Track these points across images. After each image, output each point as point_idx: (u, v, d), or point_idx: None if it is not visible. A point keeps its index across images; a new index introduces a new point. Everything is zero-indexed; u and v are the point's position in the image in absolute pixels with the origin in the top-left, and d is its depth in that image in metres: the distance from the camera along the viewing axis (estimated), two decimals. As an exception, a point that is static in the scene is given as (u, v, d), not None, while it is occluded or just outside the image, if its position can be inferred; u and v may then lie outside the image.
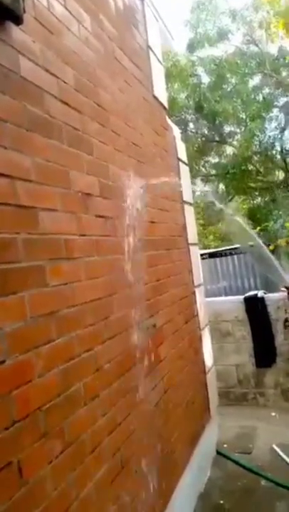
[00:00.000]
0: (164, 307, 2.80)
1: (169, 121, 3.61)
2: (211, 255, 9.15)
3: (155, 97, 3.23)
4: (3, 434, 1.22)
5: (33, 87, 1.64)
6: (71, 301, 1.69)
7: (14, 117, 1.49)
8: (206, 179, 14.89)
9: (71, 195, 1.82)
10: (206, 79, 13.03)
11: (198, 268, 3.87)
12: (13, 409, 1.28)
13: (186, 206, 3.70)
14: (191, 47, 12.44)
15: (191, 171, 4.51)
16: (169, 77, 10.54)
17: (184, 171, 3.78)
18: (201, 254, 5.95)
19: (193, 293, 3.60)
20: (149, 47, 3.23)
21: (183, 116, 13.82)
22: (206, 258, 8.52)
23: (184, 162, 3.79)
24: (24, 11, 1.53)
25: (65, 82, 1.89)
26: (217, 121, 13.36)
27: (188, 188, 3.91)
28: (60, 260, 1.66)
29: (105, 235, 2.09)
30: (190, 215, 3.82)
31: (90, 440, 1.71)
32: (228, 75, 12.59)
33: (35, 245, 1.52)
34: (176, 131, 3.77)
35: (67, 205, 1.77)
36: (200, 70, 13.01)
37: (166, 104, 3.49)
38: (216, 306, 4.91)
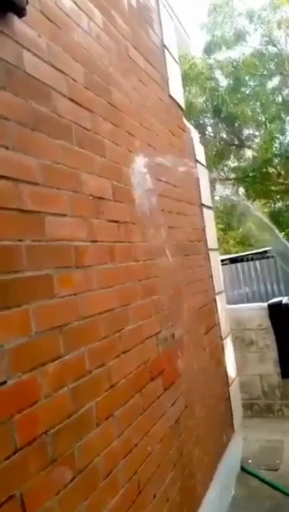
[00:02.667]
0: (183, 316, 2.65)
1: (186, 122, 3.48)
2: (232, 260, 8.92)
3: (171, 97, 3.11)
4: (3, 465, 1.10)
5: (39, 84, 1.54)
6: (82, 313, 1.57)
7: (17, 115, 1.38)
8: (226, 183, 14.68)
9: (81, 199, 1.70)
10: (224, 82, 12.88)
11: (219, 274, 3.70)
12: (16, 435, 1.15)
13: (205, 210, 3.55)
14: (208, 50, 12.33)
15: (210, 175, 4.36)
16: (186, 80, 10.44)
17: (203, 173, 3.63)
18: (222, 260, 5.77)
19: (214, 300, 3.44)
20: (164, 46, 3.11)
21: (201, 121, 13.68)
22: (226, 264, 8.30)
23: (202, 164, 3.64)
24: (27, 2, 1.43)
25: (74, 80, 1.79)
26: (236, 125, 13.17)
27: (207, 190, 3.76)
28: (69, 269, 1.54)
29: (119, 241, 1.96)
30: (209, 219, 3.67)
31: (104, 464, 1.57)
32: (247, 77, 12.40)
33: (41, 253, 1.40)
34: (194, 133, 3.63)
35: (77, 209, 1.65)
36: (218, 73, 12.88)
37: (182, 105, 3.36)
38: (239, 313, 4.71)
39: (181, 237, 2.85)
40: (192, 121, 11.60)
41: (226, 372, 3.43)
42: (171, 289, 2.52)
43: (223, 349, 3.45)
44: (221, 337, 3.45)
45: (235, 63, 12.15)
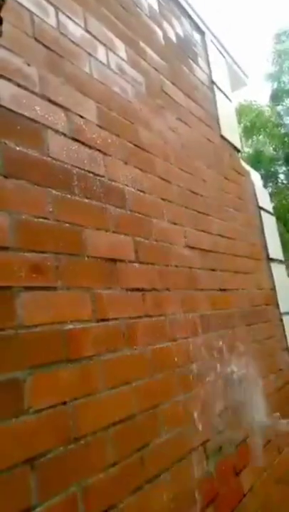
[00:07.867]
0: (248, 409, 2.00)
1: (244, 165, 3.00)
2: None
3: (223, 138, 2.68)
4: None
5: (22, 120, 1.19)
6: (73, 432, 1.07)
7: (-23, 158, 1.02)
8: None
9: (82, 264, 1.27)
10: (295, 128, 12.32)
11: (297, 344, 2.98)
12: None
13: (273, 265, 2.94)
14: (276, 97, 11.98)
15: (285, 224, 3.75)
16: (253, 129, 10.11)
17: (269, 221, 3.07)
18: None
19: (292, 379, 2.71)
20: (213, 82, 2.75)
21: (272, 169, 13.09)
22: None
23: (267, 211, 3.09)
24: (1, 22, 1.12)
25: (81, 116, 1.43)
26: (311, 170, 12.38)
27: (276, 242, 3.17)
28: (53, 366, 1.07)
29: (143, 316, 1.47)
30: (281, 275, 3.04)
31: None
32: None
33: (8, 347, 0.96)
34: (256, 176, 3.13)
35: (75, 278, 1.21)
36: (288, 120, 12.39)
37: (238, 146, 2.91)
38: None
39: (241, 302, 2.28)
40: (262, 170, 11.09)
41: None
42: (228, 373, 1.93)
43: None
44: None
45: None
